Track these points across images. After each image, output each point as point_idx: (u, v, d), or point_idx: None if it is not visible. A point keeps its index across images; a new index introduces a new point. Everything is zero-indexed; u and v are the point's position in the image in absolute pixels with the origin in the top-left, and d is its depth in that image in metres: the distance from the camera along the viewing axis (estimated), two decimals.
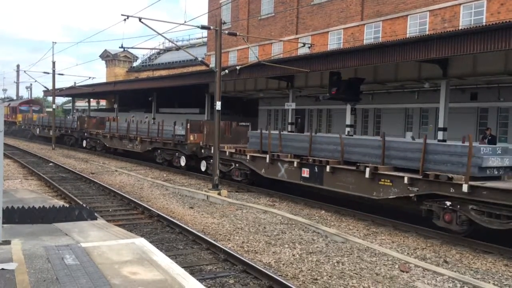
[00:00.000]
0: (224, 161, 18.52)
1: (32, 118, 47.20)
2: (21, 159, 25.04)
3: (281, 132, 16.87)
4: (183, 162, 21.80)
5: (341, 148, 13.57)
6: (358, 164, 12.64)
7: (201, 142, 20.59)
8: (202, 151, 20.36)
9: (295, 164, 14.86)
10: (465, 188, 9.88)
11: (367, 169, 12.12)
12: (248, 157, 17.30)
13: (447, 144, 12.08)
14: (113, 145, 29.49)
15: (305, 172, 14.50)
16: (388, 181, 11.76)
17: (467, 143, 10.41)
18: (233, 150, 18.25)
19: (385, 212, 12.82)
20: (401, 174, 11.53)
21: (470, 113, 22.01)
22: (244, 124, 22.73)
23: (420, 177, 10.96)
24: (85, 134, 33.89)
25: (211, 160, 18.76)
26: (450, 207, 10.44)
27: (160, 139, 23.60)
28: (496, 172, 10.49)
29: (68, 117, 45.21)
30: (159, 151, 24.11)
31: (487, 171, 10.33)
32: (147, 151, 25.25)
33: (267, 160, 16.12)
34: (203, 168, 20.44)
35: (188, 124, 21.19)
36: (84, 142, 33.96)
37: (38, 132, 43.23)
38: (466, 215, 10.14)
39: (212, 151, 18.67)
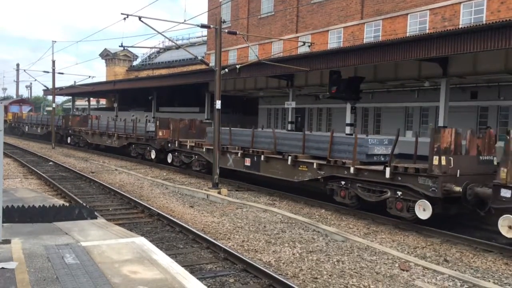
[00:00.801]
0: (186, 153, 21.24)
1: (21, 116, 50.06)
2: (21, 158, 25.04)
3: (231, 128, 18.87)
4: (153, 155, 24.17)
5: (274, 141, 16.06)
6: (284, 153, 15.31)
7: (168, 137, 22.76)
8: (169, 145, 22.62)
9: (239, 155, 17.41)
10: (352, 170, 12.59)
11: (289, 158, 14.83)
12: (204, 150, 19.72)
13: (346, 136, 14.27)
14: (94, 141, 31.92)
15: (247, 161, 17.07)
16: (305, 167, 14.47)
17: (361, 135, 13.26)
18: (193, 144, 20.69)
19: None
20: (312, 161, 14.21)
21: (470, 112, 22.01)
22: (208, 121, 24.58)
23: (325, 162, 13.69)
24: (69, 131, 36.47)
25: (176, 153, 22.07)
26: (344, 186, 13.18)
27: (134, 135, 26.02)
28: (383, 158, 12.92)
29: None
30: (133, 145, 26.48)
31: (374, 158, 12.97)
32: (123, 146, 27.59)
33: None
34: (169, 160, 22.72)
35: (157, 121, 23.50)
36: (69, 138, 36.66)
37: (27, 130, 46.00)
38: (354, 192, 12.85)
39: (176, 145, 21.85)
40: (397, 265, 8.29)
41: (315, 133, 15.83)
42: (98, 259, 5.57)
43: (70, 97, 58.16)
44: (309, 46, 23.74)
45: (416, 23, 25.16)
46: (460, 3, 23.10)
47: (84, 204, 10.10)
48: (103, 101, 66.55)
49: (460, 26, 20.88)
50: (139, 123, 26.56)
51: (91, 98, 57.04)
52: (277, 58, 23.02)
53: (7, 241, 6.14)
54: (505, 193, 9.60)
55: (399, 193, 11.46)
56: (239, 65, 20.39)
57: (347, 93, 19.84)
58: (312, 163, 14.03)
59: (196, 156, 20.48)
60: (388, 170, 11.51)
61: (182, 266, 5.80)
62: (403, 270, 8.03)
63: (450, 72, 17.28)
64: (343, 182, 13.16)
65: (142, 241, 6.59)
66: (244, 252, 8.87)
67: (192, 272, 6.91)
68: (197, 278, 5.36)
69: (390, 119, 25.77)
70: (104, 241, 6.47)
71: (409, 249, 9.55)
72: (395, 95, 24.86)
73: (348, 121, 21.38)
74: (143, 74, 58.03)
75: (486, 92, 21.05)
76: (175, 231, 10.35)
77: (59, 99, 76.19)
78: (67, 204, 9.40)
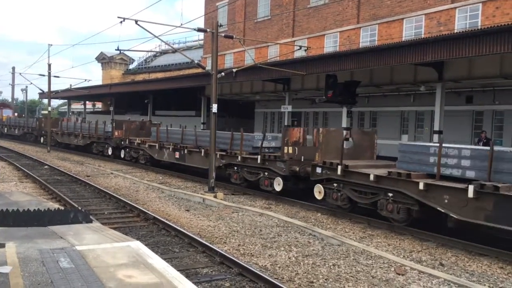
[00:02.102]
0: (135, 149, 25.56)
1: (2, 119, 53.99)
2: (16, 161, 24.93)
3: (168, 128, 23.29)
4: (110, 152, 28.20)
5: (195, 138, 20.39)
6: (200, 148, 19.38)
7: (122, 136, 26.78)
8: (122, 142, 26.68)
9: (171, 149, 21.57)
10: (239, 158, 16.93)
11: (202, 150, 19.07)
12: (147, 146, 23.99)
13: (239, 134, 17.59)
14: (64, 141, 36.00)
15: (177, 155, 21.09)
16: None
17: (249, 134, 17.78)
18: (139, 141, 24.99)
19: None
20: (217, 152, 17.72)
21: (465, 116, 22.09)
22: (156, 123, 28.16)
23: (225, 153, 17.94)
24: (42, 132, 40.14)
25: (127, 149, 26.39)
26: (236, 170, 17.47)
27: (96, 135, 30.18)
28: (267, 150, 16.75)
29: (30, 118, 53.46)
30: (95, 144, 30.54)
31: (266, 151, 16.60)
32: (87, 144, 31.63)
33: (157, 147, 22.84)
34: (122, 155, 26.91)
35: (114, 123, 27.83)
36: (42, 138, 40.40)
37: (6, 131, 50.28)
38: (242, 175, 17.13)
39: (127, 143, 26.13)
40: (392, 269, 8.29)
41: (221, 132, 19.61)
42: (93, 263, 5.54)
43: (66, 100, 58.03)
44: (305, 50, 23.78)
45: (411, 28, 25.28)
46: (456, 8, 23.23)
47: (79, 208, 10.06)
48: (99, 105, 66.39)
49: (455, 31, 21.00)
50: (99, 124, 30.44)
51: (87, 102, 56.91)
52: (273, 62, 23.05)
53: (1, 245, 6.10)
54: (318, 170, 13.61)
55: (266, 173, 15.97)
56: (236, 69, 20.41)
57: (343, 97, 19.88)
58: (217, 154, 17.81)
59: (142, 151, 24.82)
60: (259, 157, 15.98)
61: (178, 270, 5.77)
62: (399, 274, 8.03)
63: (446, 77, 17.35)
64: (235, 168, 17.48)
65: (137, 245, 6.56)
66: (240, 256, 8.85)
67: (187, 276, 6.89)
68: (193, 282, 5.35)
69: (386, 123, 25.83)
70: (99, 245, 6.44)
71: (404, 253, 9.56)
72: (391, 99, 24.94)
73: (344, 125, 21.43)
74: (139, 77, 57.92)
75: (481, 96, 21.14)
76: (171, 235, 10.32)
77: (55, 102, 76.06)
78: (62, 208, 9.36)
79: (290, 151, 15.03)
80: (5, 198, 10.69)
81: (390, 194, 11.43)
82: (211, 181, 15.87)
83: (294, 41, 31.82)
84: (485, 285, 7.75)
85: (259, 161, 15.97)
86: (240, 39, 26.68)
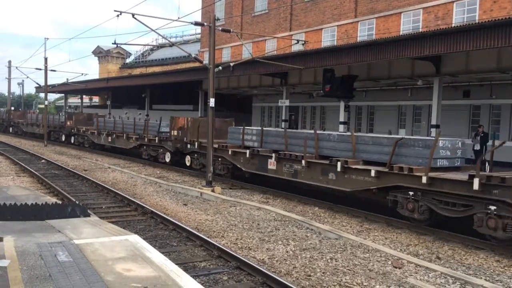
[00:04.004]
0: (82, 136, 31.76)
1: None
2: (13, 155, 24.86)
3: (105, 119, 30.10)
4: (63, 138, 34.62)
5: (122, 126, 26.55)
6: (125, 133, 25.53)
7: (72, 126, 32.82)
8: (72, 130, 32.97)
9: (105, 135, 27.83)
10: (146, 140, 23.40)
11: (124, 135, 25.46)
12: (89, 132, 30.27)
13: (152, 122, 24.69)
14: (28, 130, 41.70)
15: (110, 139, 27.30)
16: (132, 140, 24.73)
17: (154, 122, 24.53)
18: (85, 129, 31.21)
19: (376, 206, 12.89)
20: (133, 135, 24.69)
21: (462, 110, 22.14)
22: (102, 114, 33.63)
23: (138, 137, 24.16)
24: (11, 123, 47.20)
25: (76, 136, 32.56)
26: (145, 149, 23.72)
27: (52, 124, 36.64)
28: (169, 134, 21.29)
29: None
30: (52, 132, 36.76)
31: (163, 134, 22.45)
32: (46, 133, 35.72)
33: (96, 134, 29.18)
34: (72, 141, 33.19)
35: (66, 115, 34.45)
36: (11, 128, 46.98)
37: None
38: (149, 152, 23.43)
39: (75, 131, 32.34)
40: (390, 262, 8.33)
41: (139, 122, 25.52)
42: (91, 257, 5.55)
43: (63, 94, 57.84)
44: (303, 44, 23.74)
45: (409, 22, 25.25)
46: (453, 2, 23.21)
47: (77, 202, 10.06)
48: (96, 99, 66.21)
49: (453, 25, 20.99)
50: (56, 116, 37.73)
51: (84, 96, 56.75)
52: (271, 56, 23.01)
53: (0, 239, 6.10)
54: (188, 146, 19.74)
55: (161, 150, 22.22)
56: (233, 63, 20.36)
57: (340, 92, 19.87)
58: (133, 137, 24.56)
59: (86, 137, 30.89)
60: (157, 138, 22.25)
61: (176, 264, 5.80)
62: (396, 267, 8.07)
63: (443, 71, 17.36)
64: (145, 147, 23.76)
65: (135, 239, 6.57)
66: (238, 250, 8.88)
67: (185, 269, 6.91)
68: (191, 276, 5.37)
69: (383, 117, 25.87)
70: (97, 238, 6.45)
71: (402, 247, 9.60)
72: (388, 93, 24.96)
73: (341, 119, 21.44)
74: (136, 71, 57.73)
75: (479, 90, 21.18)
76: (169, 229, 10.33)
77: (52, 96, 75.65)
78: (60, 202, 9.36)
79: (176, 133, 20.55)
80: (2, 192, 10.68)
81: (220, 159, 17.65)
82: (208, 175, 15.86)
83: (292, 35, 31.75)
84: (481, 278, 7.79)
85: (157, 141, 22.29)
86: (238, 33, 26.61)
